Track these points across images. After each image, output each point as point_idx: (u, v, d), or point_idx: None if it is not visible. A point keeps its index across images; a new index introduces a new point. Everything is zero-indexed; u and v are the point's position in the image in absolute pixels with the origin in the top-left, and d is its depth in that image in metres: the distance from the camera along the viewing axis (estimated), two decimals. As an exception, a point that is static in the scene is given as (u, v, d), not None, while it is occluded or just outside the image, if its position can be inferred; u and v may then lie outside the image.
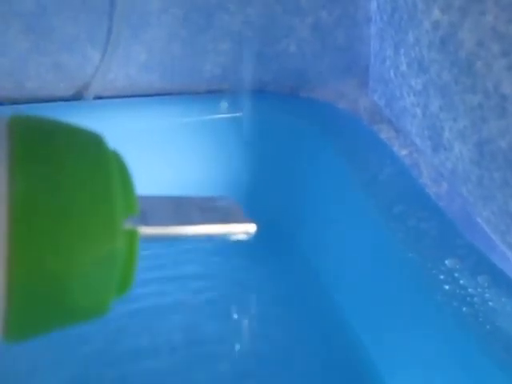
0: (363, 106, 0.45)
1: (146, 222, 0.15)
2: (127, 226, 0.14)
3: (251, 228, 0.17)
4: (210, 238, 0.16)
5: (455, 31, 0.26)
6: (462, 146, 0.30)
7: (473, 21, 0.25)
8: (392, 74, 0.37)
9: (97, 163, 0.14)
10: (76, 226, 0.12)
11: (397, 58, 0.35)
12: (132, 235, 0.14)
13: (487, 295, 0.27)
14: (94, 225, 0.13)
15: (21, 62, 0.37)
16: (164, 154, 0.39)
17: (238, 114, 0.40)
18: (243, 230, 0.17)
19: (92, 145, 0.14)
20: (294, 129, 0.40)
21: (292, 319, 0.35)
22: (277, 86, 0.43)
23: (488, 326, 0.25)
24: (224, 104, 0.40)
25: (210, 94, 0.42)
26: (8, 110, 0.36)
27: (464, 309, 0.26)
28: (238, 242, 0.17)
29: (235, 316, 0.34)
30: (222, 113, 0.40)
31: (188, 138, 0.39)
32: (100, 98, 0.40)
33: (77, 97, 0.40)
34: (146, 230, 0.14)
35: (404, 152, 0.44)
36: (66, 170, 0.13)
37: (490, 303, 0.26)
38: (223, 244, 0.38)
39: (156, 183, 0.38)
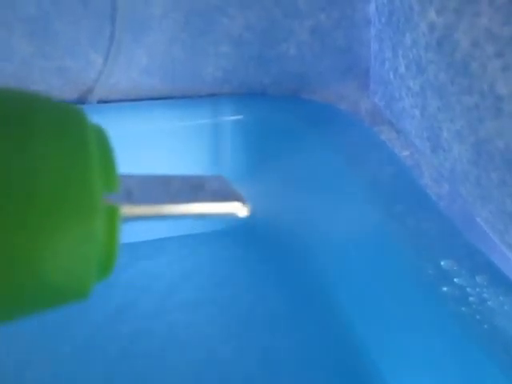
0: (364, 108, 0.45)
1: (131, 200, 0.14)
2: (108, 203, 0.12)
3: (245, 206, 0.16)
4: (201, 218, 0.15)
5: (451, 33, 0.26)
6: (460, 146, 0.30)
7: (468, 22, 0.25)
8: (391, 75, 0.37)
9: (73, 135, 0.12)
10: (47, 201, 0.11)
11: (395, 59, 0.35)
12: (112, 213, 0.13)
13: (485, 295, 0.27)
14: (69, 200, 0.11)
15: (25, 66, 0.38)
16: (165, 156, 0.40)
17: (239, 117, 0.40)
18: (236, 208, 0.16)
19: (69, 116, 0.13)
20: (296, 130, 0.41)
21: (291, 320, 0.35)
22: (278, 88, 0.43)
23: (486, 326, 0.25)
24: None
25: (211, 96, 0.42)
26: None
27: (463, 308, 0.26)
28: (235, 223, 0.16)
29: (230, 313, 0.34)
30: (224, 116, 0.40)
31: (189, 140, 0.40)
32: (104, 101, 0.40)
33: (81, 100, 0.40)
34: (129, 209, 0.13)
35: (405, 153, 0.44)
36: (37, 141, 0.11)
37: (489, 303, 0.27)
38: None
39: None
